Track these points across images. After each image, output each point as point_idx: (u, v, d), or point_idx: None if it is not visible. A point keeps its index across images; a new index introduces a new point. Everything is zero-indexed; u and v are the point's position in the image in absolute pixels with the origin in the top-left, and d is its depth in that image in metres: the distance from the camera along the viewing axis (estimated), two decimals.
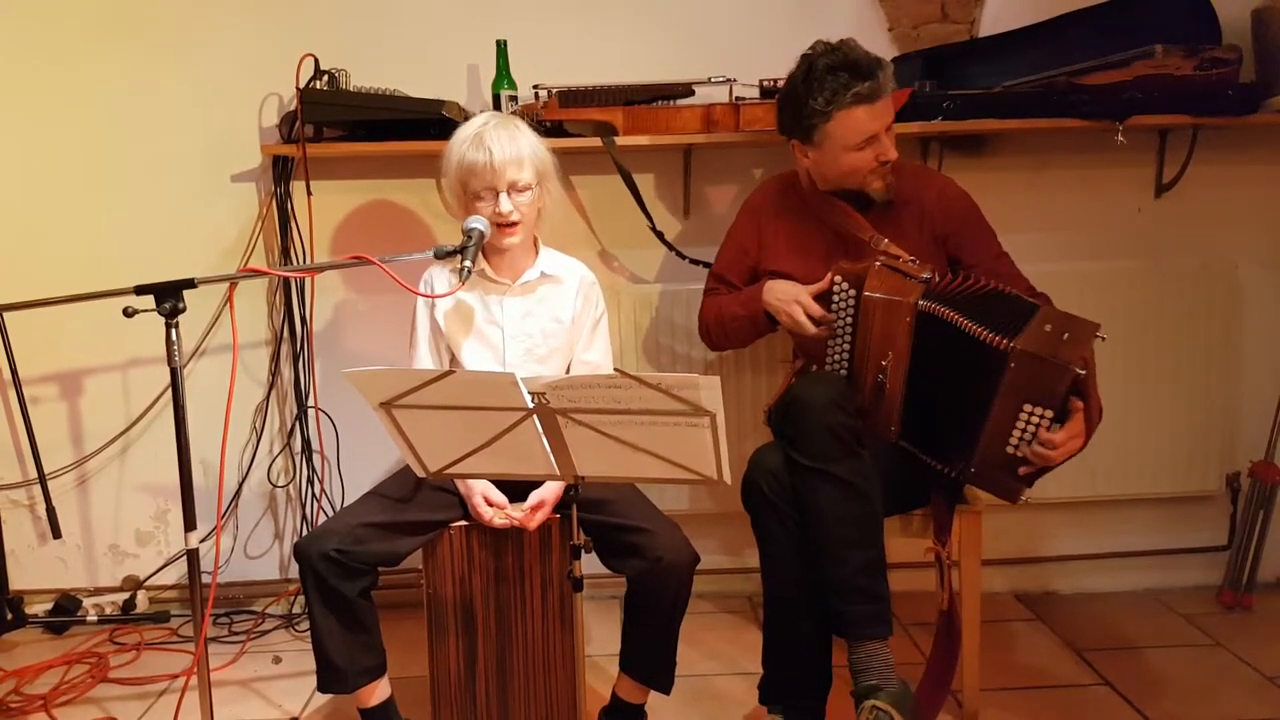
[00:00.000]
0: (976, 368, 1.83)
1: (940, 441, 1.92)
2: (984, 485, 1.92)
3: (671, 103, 2.54)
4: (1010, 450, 1.83)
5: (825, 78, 1.98)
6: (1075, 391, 1.78)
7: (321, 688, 1.92)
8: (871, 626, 1.83)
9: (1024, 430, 1.81)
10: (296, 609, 2.74)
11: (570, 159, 2.50)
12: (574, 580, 1.69)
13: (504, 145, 1.93)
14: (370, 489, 2.06)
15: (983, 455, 1.86)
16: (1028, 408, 1.79)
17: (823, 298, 2.02)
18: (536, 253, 2.10)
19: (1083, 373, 1.75)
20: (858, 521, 1.84)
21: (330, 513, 2.71)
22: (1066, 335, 1.78)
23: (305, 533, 2.73)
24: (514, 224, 1.97)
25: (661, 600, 1.89)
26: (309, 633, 1.90)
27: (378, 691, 1.97)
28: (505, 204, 1.95)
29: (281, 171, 2.62)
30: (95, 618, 2.70)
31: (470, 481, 1.95)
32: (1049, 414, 1.78)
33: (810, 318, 2.01)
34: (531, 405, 1.53)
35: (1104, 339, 1.80)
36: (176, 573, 2.80)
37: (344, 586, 1.84)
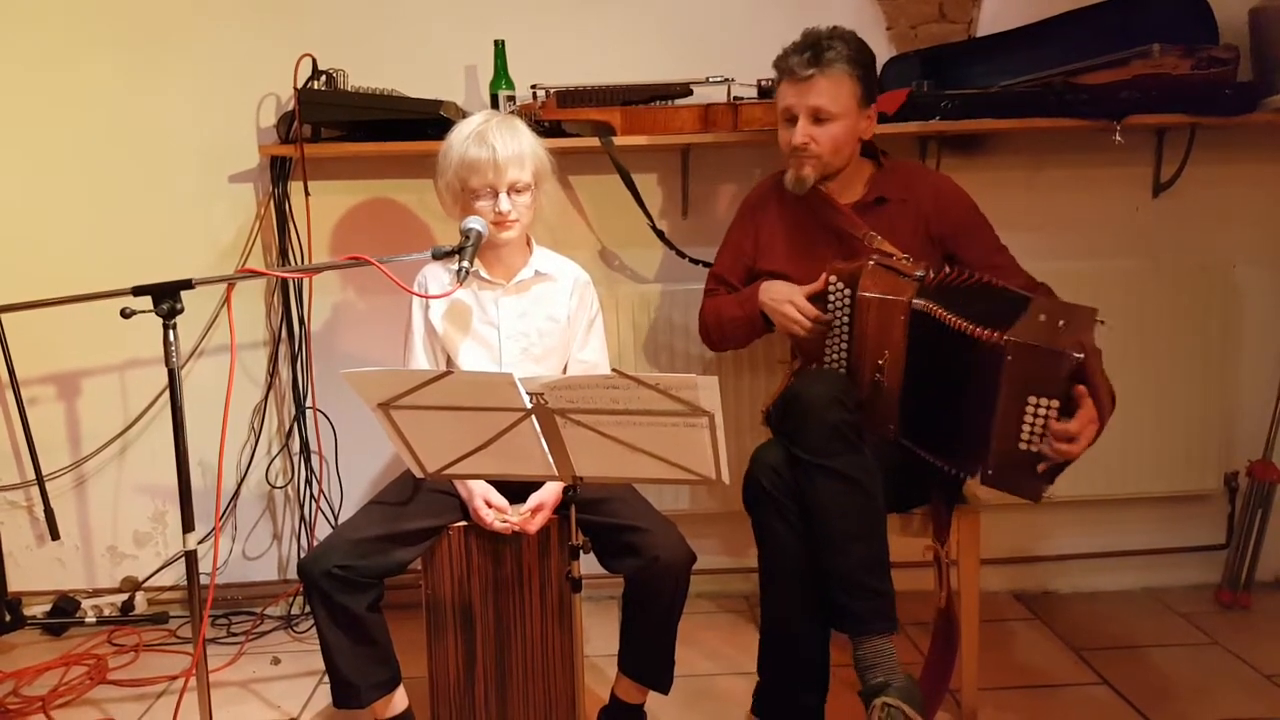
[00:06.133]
0: (975, 365, 1.82)
1: (948, 443, 1.91)
2: (1004, 486, 1.85)
3: (669, 102, 2.54)
4: (1023, 446, 1.80)
5: (788, 47, 2.07)
6: (1078, 378, 1.75)
7: (336, 703, 1.91)
8: (875, 622, 1.82)
9: (1033, 424, 1.78)
10: (295, 610, 2.74)
11: (568, 159, 2.50)
12: (572, 581, 1.69)
13: (507, 143, 1.93)
14: (370, 499, 2.06)
15: (998, 455, 1.82)
16: (1032, 400, 1.77)
17: (818, 298, 2.02)
18: (530, 251, 2.10)
19: (1080, 356, 1.72)
20: (860, 516, 1.84)
21: (329, 514, 2.72)
22: (1063, 323, 1.77)
23: (303, 534, 2.74)
24: (513, 222, 1.97)
25: (659, 599, 1.90)
26: (320, 649, 1.89)
27: (393, 704, 1.97)
28: (505, 204, 1.94)
29: (279, 172, 2.62)
30: (94, 619, 2.70)
31: (471, 484, 1.95)
32: (1055, 404, 1.75)
33: (803, 317, 2.02)
34: (529, 405, 1.53)
35: (1104, 323, 1.78)
36: (175, 574, 2.80)
37: (350, 602, 1.84)
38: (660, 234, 2.62)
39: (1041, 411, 1.77)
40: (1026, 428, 1.79)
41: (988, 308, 1.84)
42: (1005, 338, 1.77)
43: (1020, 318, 1.79)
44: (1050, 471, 1.82)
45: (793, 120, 2.07)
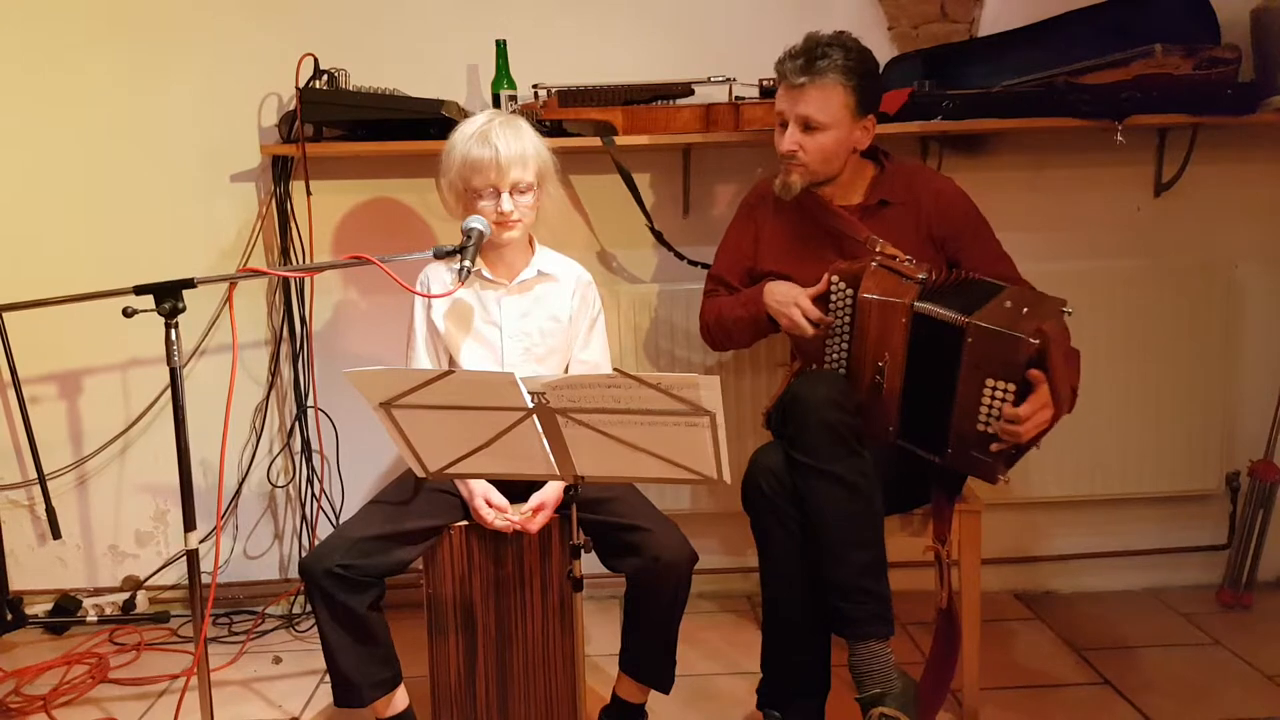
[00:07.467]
0: (947, 350, 1.84)
1: (929, 432, 1.92)
2: (962, 467, 1.91)
3: (671, 102, 2.54)
4: (981, 428, 1.83)
5: (787, 50, 2.07)
6: (1035, 364, 1.78)
7: (337, 702, 1.92)
8: (872, 626, 1.83)
9: (990, 406, 1.82)
10: (296, 609, 2.74)
11: (569, 158, 2.49)
12: (574, 580, 1.70)
13: (509, 143, 1.93)
14: (371, 499, 2.06)
15: (956, 435, 1.86)
16: (990, 382, 1.80)
17: (820, 299, 2.02)
18: (532, 251, 2.10)
19: (1035, 342, 1.75)
20: (859, 521, 1.84)
21: (330, 513, 2.72)
22: (1026, 310, 1.80)
23: (305, 533, 2.74)
24: (515, 221, 1.97)
25: (660, 599, 1.90)
26: (321, 648, 1.89)
27: (394, 703, 1.97)
28: (507, 204, 1.94)
29: (281, 171, 2.62)
30: (95, 618, 2.70)
31: (471, 484, 1.96)
32: (1011, 388, 1.79)
33: (808, 320, 2.02)
34: (531, 405, 1.53)
35: (1070, 313, 1.82)
36: (176, 573, 2.80)
37: (352, 601, 1.84)
38: (658, 235, 2.62)
39: (999, 394, 1.80)
40: (984, 410, 1.82)
41: (970, 299, 1.87)
42: (968, 321, 1.80)
43: (987, 304, 1.83)
44: (1005, 455, 1.84)
45: (786, 125, 2.07)
